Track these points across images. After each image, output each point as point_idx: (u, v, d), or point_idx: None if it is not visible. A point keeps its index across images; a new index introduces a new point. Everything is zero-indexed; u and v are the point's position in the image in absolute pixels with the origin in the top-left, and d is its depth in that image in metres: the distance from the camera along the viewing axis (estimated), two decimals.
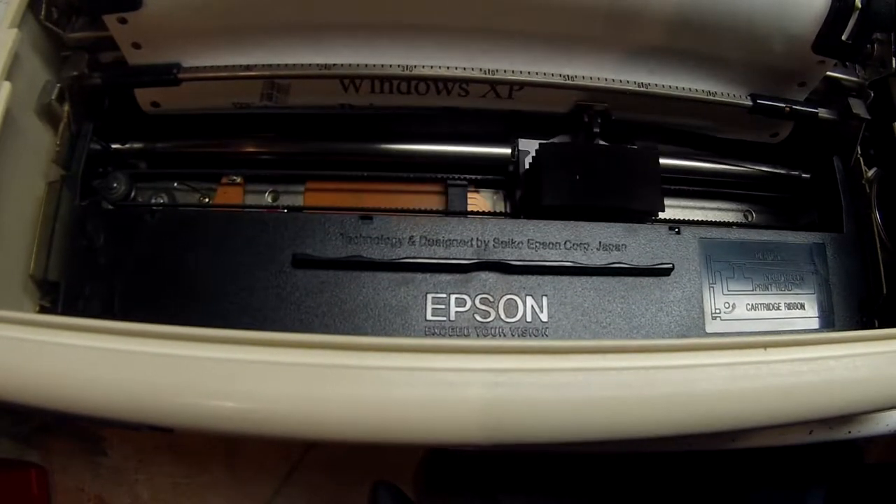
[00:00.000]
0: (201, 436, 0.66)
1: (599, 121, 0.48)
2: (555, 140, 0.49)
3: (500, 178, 0.49)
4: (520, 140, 0.48)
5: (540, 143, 0.46)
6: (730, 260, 0.44)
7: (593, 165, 0.45)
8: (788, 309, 0.45)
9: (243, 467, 0.68)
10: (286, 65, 0.43)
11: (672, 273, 0.43)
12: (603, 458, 0.56)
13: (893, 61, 0.46)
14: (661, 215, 0.48)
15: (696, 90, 0.46)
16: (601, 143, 0.48)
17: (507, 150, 0.49)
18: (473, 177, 0.49)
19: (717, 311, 0.43)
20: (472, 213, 0.47)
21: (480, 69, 0.44)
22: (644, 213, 0.45)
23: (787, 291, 0.45)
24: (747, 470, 0.54)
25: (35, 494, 0.64)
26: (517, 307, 0.41)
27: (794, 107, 0.47)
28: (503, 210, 0.49)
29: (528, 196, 0.47)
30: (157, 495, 0.68)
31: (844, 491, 0.54)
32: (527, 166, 0.47)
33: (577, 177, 0.44)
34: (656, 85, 0.45)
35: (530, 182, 0.46)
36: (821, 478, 0.55)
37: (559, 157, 0.45)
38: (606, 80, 0.45)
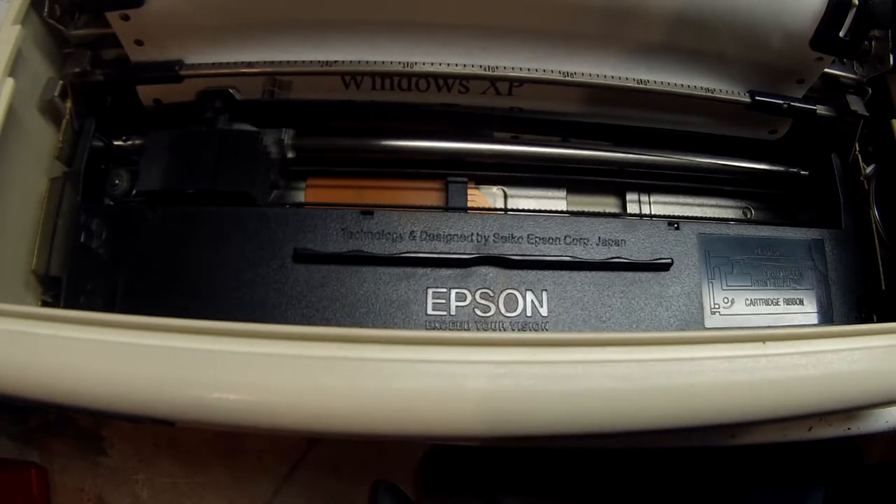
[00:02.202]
0: (201, 432, 0.66)
1: (218, 105, 0.45)
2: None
3: None
4: None
5: (149, 132, 0.45)
6: (729, 255, 0.45)
7: (193, 151, 0.43)
8: (787, 304, 0.45)
9: (243, 467, 0.68)
10: (288, 61, 0.44)
11: (671, 268, 0.43)
12: (602, 457, 0.56)
13: (891, 58, 0.46)
14: (660, 211, 0.48)
15: (696, 87, 0.46)
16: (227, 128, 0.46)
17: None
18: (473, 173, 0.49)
19: (717, 306, 0.43)
20: (472, 209, 0.47)
21: (480, 66, 0.44)
22: (237, 196, 0.43)
23: (785, 287, 0.45)
24: (748, 469, 0.54)
25: (35, 494, 0.64)
26: (517, 302, 0.41)
27: (793, 104, 0.47)
28: (503, 206, 0.49)
29: None
30: (157, 495, 0.67)
31: (845, 490, 0.54)
32: None
33: (174, 163, 0.43)
34: (655, 82, 0.45)
35: None
36: (821, 477, 0.55)
37: (160, 144, 0.44)
38: (606, 76, 0.45)
